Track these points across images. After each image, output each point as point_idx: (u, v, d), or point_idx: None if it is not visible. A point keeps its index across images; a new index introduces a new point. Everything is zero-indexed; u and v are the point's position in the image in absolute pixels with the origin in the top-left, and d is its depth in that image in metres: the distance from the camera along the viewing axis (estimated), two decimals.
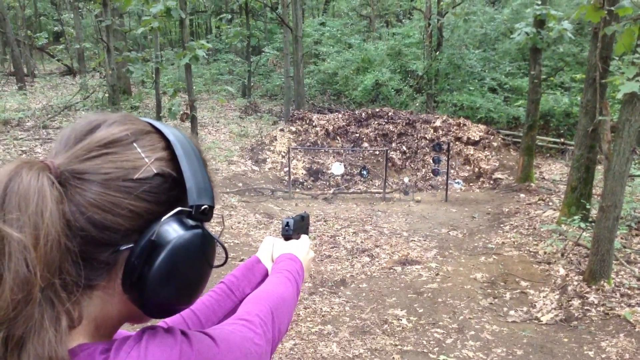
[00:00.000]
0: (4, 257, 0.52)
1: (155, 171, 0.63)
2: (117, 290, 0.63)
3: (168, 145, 0.67)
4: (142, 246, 0.61)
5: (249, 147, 11.81)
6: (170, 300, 0.64)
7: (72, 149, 0.62)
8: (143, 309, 0.63)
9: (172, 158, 0.66)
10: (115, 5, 12.01)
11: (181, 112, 8.31)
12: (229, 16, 20.20)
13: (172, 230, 0.62)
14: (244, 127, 13.75)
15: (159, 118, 10.76)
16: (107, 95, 13.45)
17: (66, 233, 0.56)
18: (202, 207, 0.65)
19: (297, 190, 9.90)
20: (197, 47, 7.39)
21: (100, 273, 0.61)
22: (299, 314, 4.78)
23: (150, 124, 0.69)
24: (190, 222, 0.64)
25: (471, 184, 10.85)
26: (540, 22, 8.89)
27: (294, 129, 11.83)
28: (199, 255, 0.64)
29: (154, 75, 12.96)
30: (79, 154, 0.61)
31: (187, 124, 8.29)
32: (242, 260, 6.13)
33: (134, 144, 0.64)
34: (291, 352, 4.09)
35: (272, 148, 11.32)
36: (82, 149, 0.62)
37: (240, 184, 9.58)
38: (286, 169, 10.13)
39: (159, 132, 0.68)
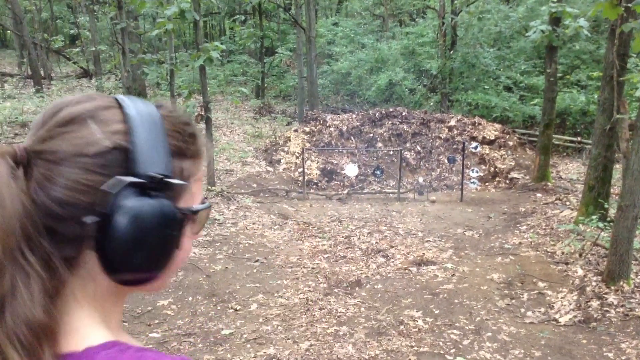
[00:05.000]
0: None
1: (108, 145, 0.64)
2: (96, 265, 0.65)
3: (128, 119, 0.68)
4: (101, 218, 0.63)
5: (263, 148, 11.84)
6: (135, 267, 0.65)
7: (38, 132, 0.66)
8: (113, 278, 0.66)
9: (131, 131, 0.67)
10: (130, 7, 12.11)
11: (196, 114, 8.35)
12: (243, 17, 20.26)
13: (124, 201, 0.63)
14: (258, 128, 13.78)
15: None
16: None
17: (28, 209, 0.62)
18: (153, 176, 0.65)
19: (312, 190, 9.90)
20: (211, 49, 7.43)
21: (71, 247, 0.64)
22: (314, 315, 4.77)
23: (116, 100, 0.70)
24: (145, 191, 0.64)
25: (487, 184, 10.76)
26: (555, 20, 8.80)
27: (307, 129, 11.83)
28: (153, 222, 0.64)
29: (168, 77, 13.03)
30: (42, 135, 0.65)
31: (202, 125, 8.33)
32: (257, 260, 6.14)
33: (89, 120, 0.66)
34: (307, 352, 4.09)
35: (286, 149, 11.33)
36: (44, 130, 0.66)
37: (255, 185, 9.60)
38: (300, 170, 10.13)
39: (122, 107, 0.69)
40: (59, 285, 0.65)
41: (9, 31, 20.46)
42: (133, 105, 0.69)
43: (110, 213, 0.62)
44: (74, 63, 21.42)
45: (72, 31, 21.65)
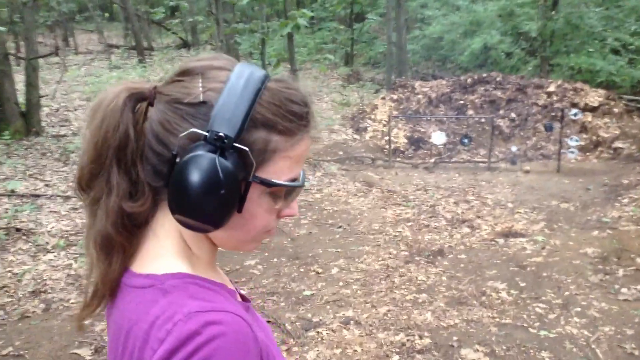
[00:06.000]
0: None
1: (201, 99, 0.72)
2: None
3: (227, 80, 0.74)
4: (174, 159, 0.71)
5: (350, 116, 11.84)
6: (184, 211, 0.71)
7: (169, 77, 0.79)
8: (174, 216, 0.73)
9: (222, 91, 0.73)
10: None
11: None
12: None
13: (191, 150, 0.70)
14: (346, 95, 13.76)
15: None
16: None
17: (131, 136, 0.74)
18: (218, 134, 0.69)
19: (398, 159, 9.81)
20: (299, 16, 7.47)
21: (157, 178, 0.75)
22: (394, 281, 4.79)
23: (234, 64, 0.77)
24: (213, 146, 0.70)
25: (587, 154, 10.08)
26: None
27: (395, 97, 11.65)
28: (203, 174, 0.69)
29: (260, 46, 13.28)
30: (167, 80, 0.78)
31: None
32: (340, 226, 6.24)
33: (199, 76, 0.74)
34: (385, 317, 4.14)
35: (373, 116, 11.25)
36: (170, 77, 0.78)
37: (341, 152, 9.67)
38: (387, 138, 10.04)
39: (232, 70, 0.75)
40: (144, 212, 0.76)
41: (115, 4, 21.69)
42: (241, 71, 0.74)
43: (179, 157, 0.70)
44: (174, 34, 22.34)
45: (171, 3, 22.54)
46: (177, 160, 0.70)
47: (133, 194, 0.75)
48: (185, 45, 21.08)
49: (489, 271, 5.08)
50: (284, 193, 0.78)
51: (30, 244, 5.04)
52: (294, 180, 0.77)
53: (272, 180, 0.74)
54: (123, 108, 0.74)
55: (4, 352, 3.43)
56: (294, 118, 0.75)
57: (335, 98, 13.46)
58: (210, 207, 0.70)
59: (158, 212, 0.78)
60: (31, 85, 8.62)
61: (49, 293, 4.24)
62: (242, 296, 0.90)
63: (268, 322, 4.01)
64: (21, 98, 8.70)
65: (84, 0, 21.68)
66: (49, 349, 3.49)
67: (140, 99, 0.77)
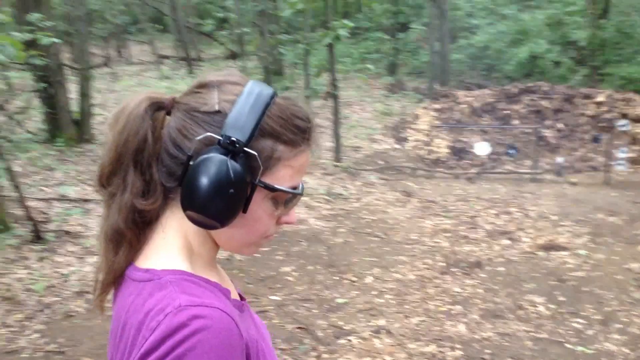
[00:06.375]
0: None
1: (216, 108, 0.80)
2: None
3: (240, 94, 0.82)
4: (188, 161, 0.78)
5: (391, 126, 11.81)
6: (194, 207, 0.77)
7: (188, 89, 0.87)
8: (185, 213, 0.79)
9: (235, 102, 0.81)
10: None
11: (325, 91, 8.58)
12: None
13: (205, 152, 0.77)
14: (389, 105, 13.73)
15: (305, 97, 11.20)
16: (262, 77, 14.26)
17: (149, 140, 0.81)
18: (230, 139, 0.77)
19: (439, 169, 9.72)
20: (340, 27, 7.55)
21: (171, 179, 0.82)
22: (428, 292, 4.77)
23: (247, 80, 0.85)
24: (218, 148, 0.78)
25: (638, 166, 9.73)
26: None
27: (437, 106, 11.56)
28: (215, 174, 0.76)
29: (304, 57, 13.45)
30: (186, 92, 0.86)
31: (331, 102, 8.53)
32: (377, 236, 6.24)
33: (215, 88, 0.82)
34: (417, 327, 4.12)
35: (414, 126, 11.19)
36: (189, 89, 0.86)
37: (381, 162, 9.66)
38: (428, 148, 9.98)
39: (244, 85, 0.83)
40: (154, 210, 0.83)
41: (167, 16, 22.42)
42: (253, 87, 0.82)
43: (194, 158, 0.78)
44: (222, 44, 22.82)
45: (220, 14, 23.03)
46: (192, 162, 0.78)
47: (145, 192, 0.82)
48: (233, 56, 21.49)
49: (528, 284, 4.98)
50: (284, 200, 0.85)
51: (78, 246, 5.28)
52: (294, 188, 0.84)
53: (275, 186, 0.81)
54: (144, 115, 0.82)
55: (48, 348, 3.62)
56: (297, 131, 0.83)
57: (378, 107, 13.45)
58: (219, 205, 0.77)
59: (167, 211, 0.85)
60: (84, 94, 9.02)
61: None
62: (240, 295, 0.96)
63: (299, 328, 4.06)
64: (75, 107, 9.11)
65: (137, 12, 22.49)
66: (89, 347, 3.65)
67: (159, 108, 0.85)
